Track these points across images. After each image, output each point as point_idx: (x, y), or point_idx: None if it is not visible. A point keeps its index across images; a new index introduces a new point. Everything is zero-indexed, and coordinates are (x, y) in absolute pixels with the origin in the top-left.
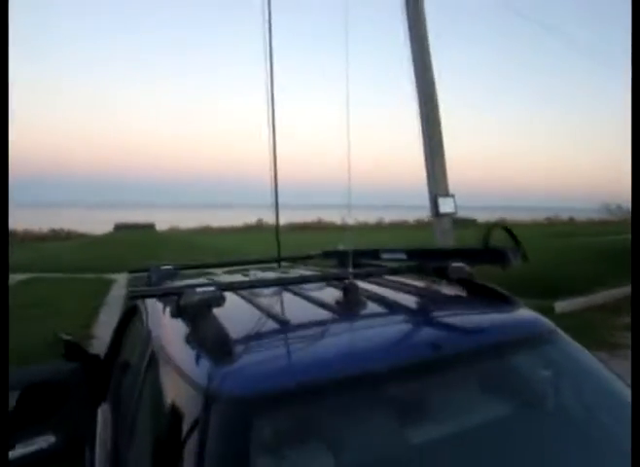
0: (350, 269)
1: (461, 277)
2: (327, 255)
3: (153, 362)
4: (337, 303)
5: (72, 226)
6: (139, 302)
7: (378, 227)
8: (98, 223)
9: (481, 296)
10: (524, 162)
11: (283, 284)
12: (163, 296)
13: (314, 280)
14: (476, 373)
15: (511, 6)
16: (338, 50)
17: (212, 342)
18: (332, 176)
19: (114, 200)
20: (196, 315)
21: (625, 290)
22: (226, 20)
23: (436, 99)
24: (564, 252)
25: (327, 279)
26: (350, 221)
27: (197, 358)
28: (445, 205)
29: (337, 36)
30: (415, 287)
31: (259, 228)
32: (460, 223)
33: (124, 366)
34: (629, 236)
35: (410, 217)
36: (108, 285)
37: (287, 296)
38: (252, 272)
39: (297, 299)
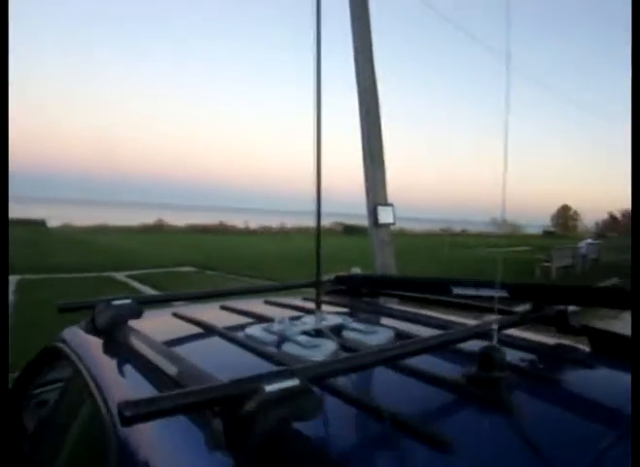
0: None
1: (583, 326)
2: (341, 282)
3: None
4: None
5: None
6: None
7: (281, 231)
8: None
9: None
10: (427, 175)
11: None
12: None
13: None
14: None
15: (444, 16)
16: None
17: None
18: (235, 179)
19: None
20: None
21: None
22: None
23: (377, 109)
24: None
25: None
26: (253, 225)
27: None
28: (385, 215)
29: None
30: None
31: (158, 228)
32: (362, 231)
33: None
34: (508, 249)
35: (312, 223)
36: None
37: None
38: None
39: None
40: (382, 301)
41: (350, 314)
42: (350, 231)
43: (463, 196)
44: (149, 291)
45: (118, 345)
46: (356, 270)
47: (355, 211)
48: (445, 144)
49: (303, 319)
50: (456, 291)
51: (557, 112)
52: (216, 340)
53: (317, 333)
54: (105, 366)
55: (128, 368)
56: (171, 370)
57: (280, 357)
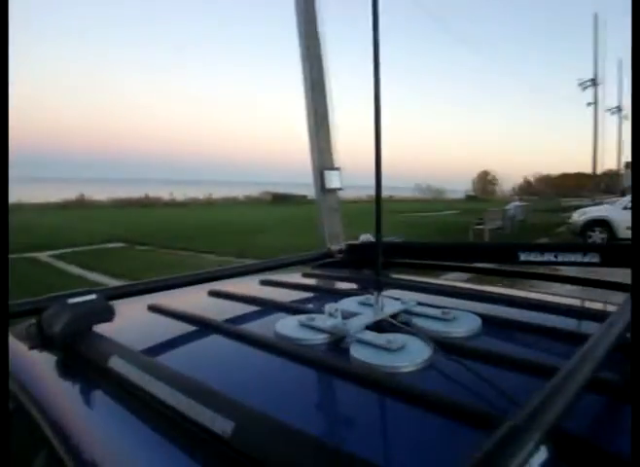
0: None
1: None
2: (355, 251)
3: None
4: None
5: None
6: None
7: (208, 202)
8: None
9: None
10: (356, 142)
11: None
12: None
13: None
14: None
15: None
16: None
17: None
18: (161, 150)
19: None
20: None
21: None
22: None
23: (322, 69)
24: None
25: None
26: (179, 196)
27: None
28: (332, 180)
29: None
30: None
31: (80, 203)
32: (291, 199)
33: None
34: (439, 213)
35: (240, 193)
36: None
37: None
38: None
39: None
40: (414, 273)
41: (396, 294)
42: (280, 200)
43: (389, 162)
44: (77, 271)
45: (82, 365)
46: (367, 237)
47: (286, 180)
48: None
49: (340, 304)
50: (525, 257)
51: (480, 80)
52: (232, 345)
53: (382, 325)
54: (65, 400)
55: (103, 400)
56: (174, 400)
57: (358, 369)
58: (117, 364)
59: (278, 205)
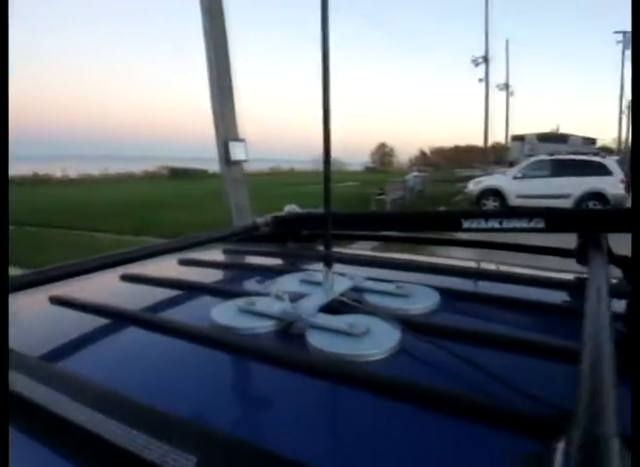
0: None
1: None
2: (282, 224)
3: None
4: None
5: None
6: None
7: (103, 179)
8: None
9: None
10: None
11: None
12: None
13: None
14: None
15: None
16: None
17: None
18: (48, 122)
19: None
20: None
21: None
22: None
23: (226, 38)
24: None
25: None
26: (72, 173)
27: None
28: (237, 152)
29: None
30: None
31: None
32: (191, 174)
33: None
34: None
35: (135, 169)
36: None
37: None
38: None
39: None
40: (353, 246)
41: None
42: (178, 175)
43: (289, 136)
44: None
45: None
46: (293, 208)
47: (188, 155)
48: (273, 84)
49: (281, 284)
50: (468, 225)
51: (381, 53)
52: (160, 341)
53: (335, 307)
54: None
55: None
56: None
57: (321, 360)
58: (18, 383)
59: (178, 180)
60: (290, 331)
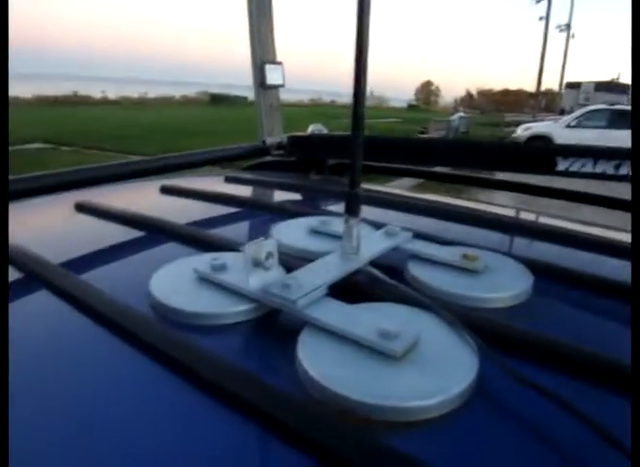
0: None
1: None
2: (300, 146)
3: None
4: None
5: None
6: None
7: (142, 102)
8: None
9: None
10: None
11: None
12: None
13: None
14: None
15: None
16: None
17: None
18: (93, 44)
19: None
20: None
21: None
22: None
23: None
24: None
25: None
26: (111, 95)
27: None
28: (273, 75)
29: None
30: None
31: None
32: (231, 101)
33: None
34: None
35: (176, 93)
36: None
37: None
38: None
39: None
40: (392, 184)
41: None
42: (217, 100)
43: (330, 68)
44: None
45: None
46: (319, 128)
47: (222, 81)
48: (327, 17)
49: (279, 234)
50: (566, 166)
51: None
52: None
53: (359, 283)
54: None
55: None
56: None
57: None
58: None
59: (217, 107)
60: (277, 325)
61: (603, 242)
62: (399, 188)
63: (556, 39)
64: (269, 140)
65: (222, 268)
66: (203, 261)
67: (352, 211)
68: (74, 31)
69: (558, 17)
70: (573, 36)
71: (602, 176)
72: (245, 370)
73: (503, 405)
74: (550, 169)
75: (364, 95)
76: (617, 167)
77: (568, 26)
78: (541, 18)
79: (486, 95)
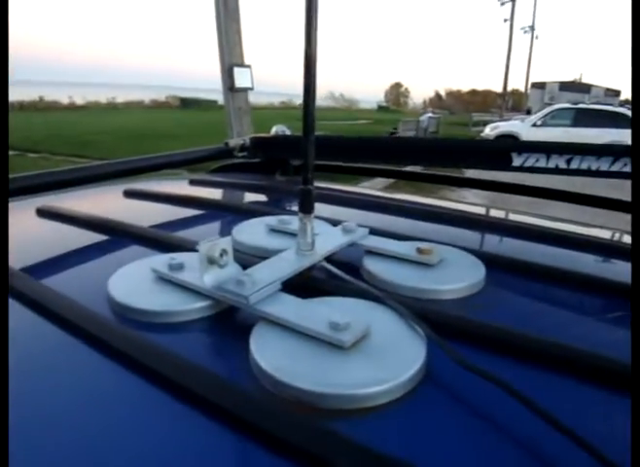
0: None
1: None
2: (262, 147)
3: None
4: None
5: None
6: None
7: (111, 106)
8: None
9: None
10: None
11: None
12: None
13: None
14: None
15: None
16: None
17: None
18: (60, 49)
19: None
20: None
21: None
22: None
23: None
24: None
25: None
26: (79, 100)
27: None
28: (242, 78)
29: None
30: None
31: None
32: (201, 104)
33: None
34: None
35: (146, 97)
36: None
37: None
38: None
39: None
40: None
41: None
42: (188, 104)
43: (300, 71)
44: None
45: None
46: (281, 129)
47: (192, 85)
48: (291, 21)
49: (238, 233)
50: (521, 162)
51: None
52: None
53: (313, 278)
54: None
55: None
56: None
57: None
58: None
59: (187, 111)
60: (231, 321)
61: (556, 234)
62: (371, 188)
63: (521, 40)
64: (232, 142)
65: (179, 267)
66: (162, 261)
67: (305, 208)
68: (39, 35)
69: (523, 18)
70: (537, 37)
71: (555, 170)
72: (200, 365)
73: (450, 391)
74: (506, 165)
75: (314, 97)
76: (568, 162)
77: (532, 28)
78: (505, 20)
79: (455, 96)
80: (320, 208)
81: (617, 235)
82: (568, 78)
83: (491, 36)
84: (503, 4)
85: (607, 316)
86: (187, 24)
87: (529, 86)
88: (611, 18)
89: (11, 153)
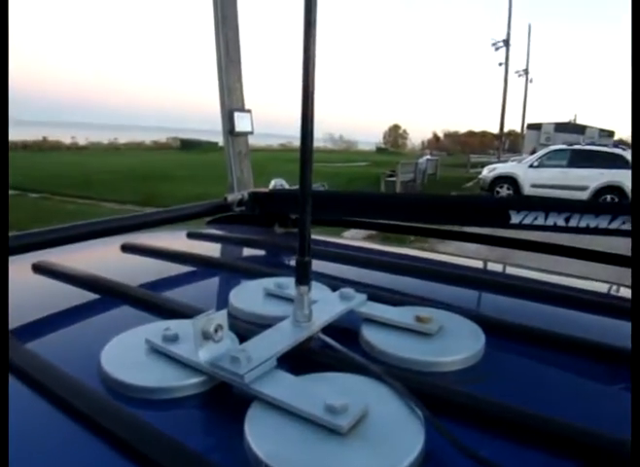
0: None
1: None
2: (260, 202)
3: None
4: None
5: None
6: None
7: (112, 147)
8: None
9: None
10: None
11: None
12: None
13: None
14: None
15: None
16: None
17: None
18: (60, 89)
19: None
20: None
21: None
22: None
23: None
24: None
25: None
26: (81, 140)
27: None
28: (242, 122)
29: None
30: None
31: None
32: (202, 146)
33: None
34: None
35: (147, 138)
36: None
37: None
38: None
39: None
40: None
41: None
42: (189, 146)
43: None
44: None
45: None
46: (280, 182)
47: (192, 126)
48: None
49: (236, 299)
50: (519, 220)
51: (399, 31)
52: None
53: (311, 350)
54: None
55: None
56: None
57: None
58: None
59: (188, 152)
60: (228, 399)
61: (557, 294)
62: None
63: (517, 83)
64: (231, 197)
65: (174, 338)
66: (156, 330)
67: (302, 280)
68: (41, 77)
69: (517, 62)
70: (531, 80)
71: (554, 228)
72: (191, 448)
73: None
74: (504, 223)
75: (310, 177)
76: (567, 220)
77: (526, 71)
78: (500, 64)
79: (452, 137)
80: (315, 264)
81: (622, 290)
82: (563, 119)
83: (487, 79)
84: (497, 49)
85: (612, 389)
86: (188, 66)
87: (525, 127)
88: (603, 61)
89: (11, 192)
